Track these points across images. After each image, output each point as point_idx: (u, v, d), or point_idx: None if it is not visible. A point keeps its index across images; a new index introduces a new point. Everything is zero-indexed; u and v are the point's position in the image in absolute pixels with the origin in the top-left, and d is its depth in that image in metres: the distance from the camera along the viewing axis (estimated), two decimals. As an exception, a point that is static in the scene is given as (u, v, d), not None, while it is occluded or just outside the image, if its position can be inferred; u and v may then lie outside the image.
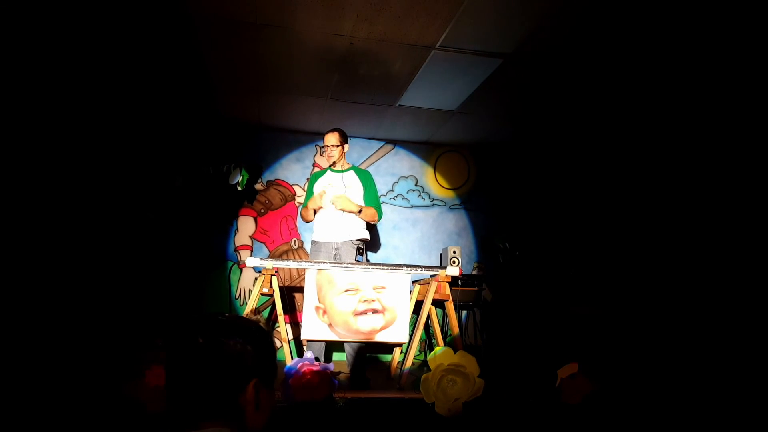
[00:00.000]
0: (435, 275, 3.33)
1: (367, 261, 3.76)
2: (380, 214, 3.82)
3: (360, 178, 3.79)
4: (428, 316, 3.35)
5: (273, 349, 1.08)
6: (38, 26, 3.18)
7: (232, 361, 0.97)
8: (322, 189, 3.70)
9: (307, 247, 4.99)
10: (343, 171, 3.79)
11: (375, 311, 3.17)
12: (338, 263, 3.32)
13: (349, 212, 3.63)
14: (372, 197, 3.79)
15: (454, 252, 4.72)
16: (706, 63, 3.45)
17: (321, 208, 3.67)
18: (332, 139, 3.73)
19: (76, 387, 2.48)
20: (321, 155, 5.19)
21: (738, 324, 3.41)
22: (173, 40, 3.41)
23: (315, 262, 3.29)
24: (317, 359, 2.92)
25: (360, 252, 3.69)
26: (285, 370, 2.63)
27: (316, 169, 4.99)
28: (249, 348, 0.99)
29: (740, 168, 3.79)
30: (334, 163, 3.79)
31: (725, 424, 2.22)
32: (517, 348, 4.65)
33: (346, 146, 3.81)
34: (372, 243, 4.90)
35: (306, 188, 3.92)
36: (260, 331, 1.05)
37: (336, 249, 3.62)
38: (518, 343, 4.71)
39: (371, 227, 3.90)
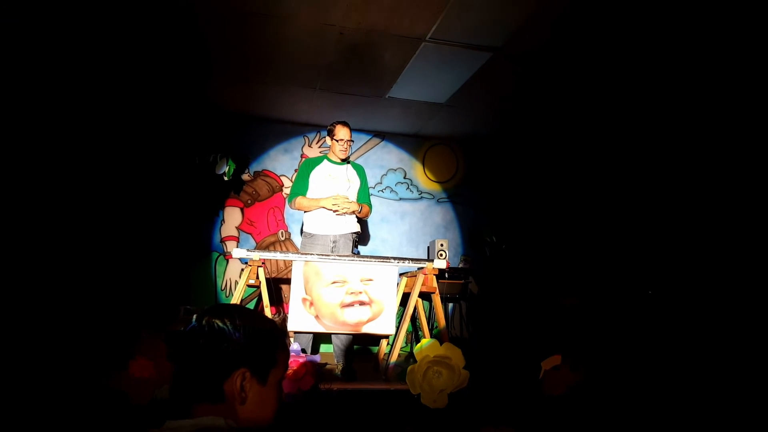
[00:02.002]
0: (422, 268, 3.34)
1: (358, 253, 3.76)
2: (371, 209, 3.85)
3: (357, 173, 3.77)
4: (415, 309, 3.37)
5: (274, 346, 1.04)
6: (19, 13, 3.10)
7: (217, 342, 0.97)
8: (325, 180, 3.62)
9: (295, 239, 4.97)
10: (344, 163, 3.74)
11: (362, 303, 3.18)
12: (326, 255, 3.31)
13: (352, 213, 3.60)
14: (367, 192, 3.81)
15: (442, 245, 4.73)
16: (694, 59, 3.48)
17: (334, 211, 3.53)
18: (348, 133, 3.64)
19: (60, 378, 2.45)
20: (310, 146, 5.17)
21: (726, 316, 3.47)
22: (161, 28, 3.35)
23: (302, 254, 3.28)
24: (304, 351, 2.93)
25: (355, 244, 3.69)
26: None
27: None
28: (240, 336, 0.98)
29: (723, 157, 3.85)
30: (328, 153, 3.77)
31: (711, 416, 2.27)
32: (502, 340, 4.69)
33: None
34: (361, 235, 4.90)
35: (297, 174, 3.75)
36: (257, 323, 1.02)
37: (334, 242, 3.58)
38: (504, 335, 4.76)
39: (361, 220, 3.90)
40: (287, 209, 5.02)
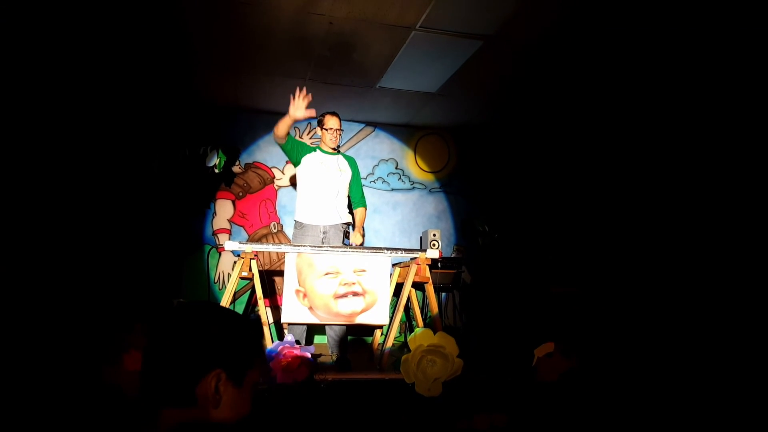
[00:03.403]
0: (415, 258, 3.35)
1: (350, 244, 3.76)
2: (366, 206, 3.87)
3: (349, 163, 3.77)
4: (408, 299, 3.37)
5: (250, 345, 0.98)
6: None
7: (190, 341, 0.91)
8: (317, 167, 3.61)
9: (287, 230, 4.95)
10: (336, 154, 3.74)
11: (355, 294, 3.18)
12: (319, 246, 3.30)
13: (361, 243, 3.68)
14: (360, 185, 3.83)
15: (434, 235, 4.74)
16: (683, 50, 3.49)
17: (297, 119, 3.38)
18: (337, 122, 3.67)
19: (53, 372, 2.44)
20: (300, 137, 5.13)
21: (716, 306, 3.51)
22: (149, 18, 3.30)
23: (295, 246, 3.27)
24: (298, 342, 2.93)
25: (346, 235, 3.70)
26: (266, 353, 2.63)
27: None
28: (215, 335, 0.92)
29: (714, 146, 3.88)
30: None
31: (702, 403, 2.30)
32: (495, 328, 4.73)
33: None
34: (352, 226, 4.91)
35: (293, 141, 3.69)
36: (233, 321, 0.97)
37: (324, 233, 3.58)
38: (497, 323, 4.79)
39: (352, 210, 3.90)
40: (279, 201, 5.00)
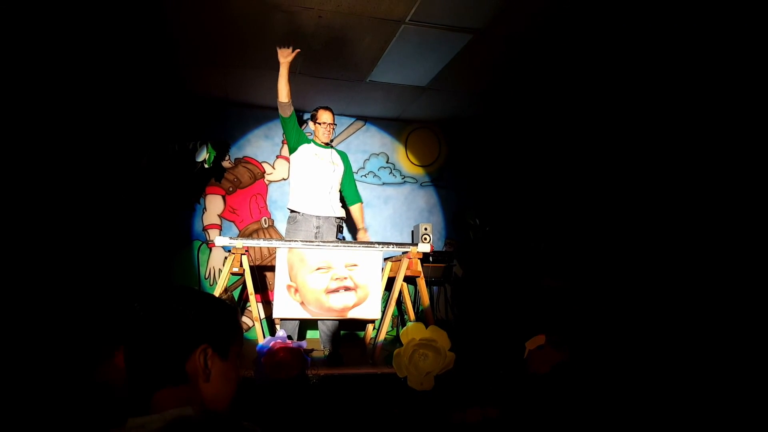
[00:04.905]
0: (407, 252, 3.35)
1: (343, 239, 3.77)
2: (361, 201, 3.94)
3: (342, 158, 3.79)
4: (400, 293, 3.38)
5: (230, 320, 1.04)
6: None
7: (172, 324, 0.95)
8: (312, 159, 3.63)
9: (278, 225, 4.93)
10: (330, 148, 3.74)
11: (347, 289, 3.18)
12: (310, 242, 3.30)
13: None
14: (353, 181, 3.86)
15: (426, 229, 4.75)
16: (676, 40, 3.51)
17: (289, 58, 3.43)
18: (330, 116, 3.71)
19: (43, 370, 2.41)
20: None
21: (707, 299, 3.55)
22: (135, 10, 3.25)
23: (286, 241, 3.26)
24: (290, 337, 2.93)
25: (340, 230, 3.71)
26: (257, 348, 2.63)
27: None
28: (191, 312, 0.97)
29: (707, 139, 3.91)
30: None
31: (693, 394, 2.33)
32: (487, 322, 4.75)
33: None
34: (345, 221, 4.90)
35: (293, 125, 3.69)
36: (210, 300, 1.02)
37: (317, 227, 3.58)
38: (488, 316, 4.81)
39: (345, 205, 3.90)
40: (270, 196, 4.97)
